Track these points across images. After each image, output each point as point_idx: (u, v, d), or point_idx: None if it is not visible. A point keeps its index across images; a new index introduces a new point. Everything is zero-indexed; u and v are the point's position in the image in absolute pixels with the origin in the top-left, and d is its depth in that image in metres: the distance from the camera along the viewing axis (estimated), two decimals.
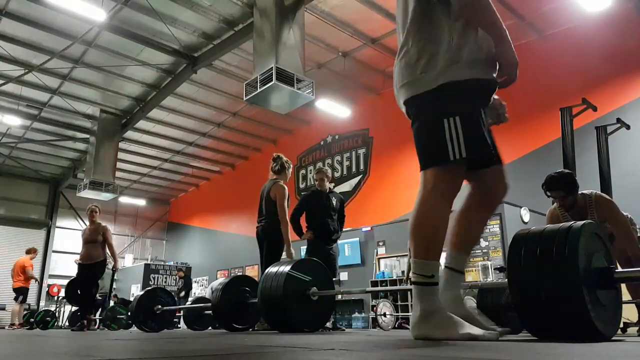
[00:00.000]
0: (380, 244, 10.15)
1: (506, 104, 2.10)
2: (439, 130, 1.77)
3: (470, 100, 1.77)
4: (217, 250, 16.85)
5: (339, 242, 5.53)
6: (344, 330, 5.28)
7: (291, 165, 5.19)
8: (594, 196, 3.57)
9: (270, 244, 4.80)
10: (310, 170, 13.81)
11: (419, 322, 1.81)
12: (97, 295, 7.52)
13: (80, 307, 7.19)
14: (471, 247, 2.00)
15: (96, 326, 7.22)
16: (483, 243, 8.39)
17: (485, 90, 1.80)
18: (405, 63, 1.89)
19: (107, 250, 6.97)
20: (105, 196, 12.86)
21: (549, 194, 3.68)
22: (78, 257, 7.05)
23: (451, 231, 1.94)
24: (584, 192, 3.63)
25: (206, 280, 16.22)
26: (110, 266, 7.30)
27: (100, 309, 9.53)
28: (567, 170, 3.99)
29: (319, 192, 5.43)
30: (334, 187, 12.62)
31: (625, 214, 3.72)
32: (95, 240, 6.86)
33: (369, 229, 10.46)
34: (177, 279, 14.55)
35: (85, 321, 6.69)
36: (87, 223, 7.23)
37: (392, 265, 9.84)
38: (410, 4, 1.89)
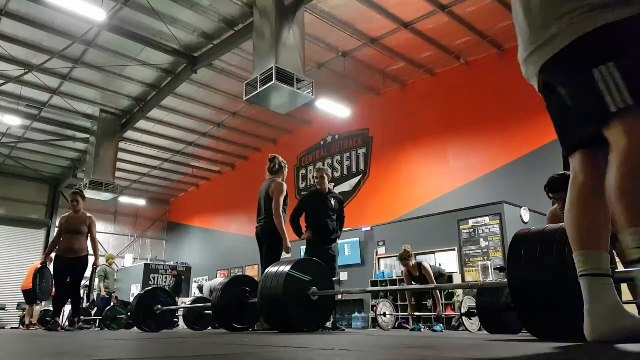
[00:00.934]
0: (380, 244, 10.15)
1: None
2: (591, 85, 1.48)
3: (628, 42, 1.46)
4: (217, 250, 16.84)
5: (339, 242, 5.52)
6: (344, 330, 5.27)
7: (287, 165, 5.19)
8: None
9: (270, 244, 4.80)
10: (311, 170, 13.80)
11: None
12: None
13: (73, 306, 6.38)
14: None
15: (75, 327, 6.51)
16: (483, 243, 8.40)
17: None
18: (529, 22, 1.61)
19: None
20: (105, 196, 12.86)
21: (551, 195, 3.68)
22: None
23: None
24: None
25: (206, 280, 16.22)
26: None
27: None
28: (569, 172, 3.98)
29: (318, 193, 5.43)
30: (334, 187, 12.66)
31: None
32: (81, 231, 6.07)
33: (369, 229, 10.46)
34: (170, 278, 14.44)
35: (76, 319, 6.18)
36: (71, 210, 6.30)
37: (392, 265, 9.83)
38: None
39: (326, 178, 5.45)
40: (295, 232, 5.33)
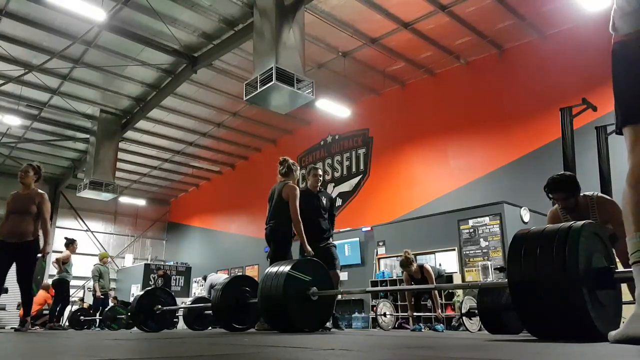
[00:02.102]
0: (380, 244, 10.15)
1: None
2: None
3: None
4: (217, 250, 16.84)
5: (339, 242, 5.48)
6: (343, 329, 5.25)
7: (298, 167, 5.20)
8: (596, 197, 3.57)
9: (276, 246, 4.80)
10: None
11: None
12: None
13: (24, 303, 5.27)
14: None
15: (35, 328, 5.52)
16: (483, 243, 8.40)
17: None
18: None
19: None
20: (105, 196, 12.85)
21: (550, 195, 3.66)
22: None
23: None
24: (585, 193, 3.63)
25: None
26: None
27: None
28: (569, 173, 3.98)
29: (309, 192, 5.37)
30: (334, 187, 12.67)
31: None
32: (28, 211, 5.01)
33: (369, 229, 10.46)
34: (157, 278, 14.44)
35: (28, 319, 5.20)
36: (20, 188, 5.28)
37: (392, 265, 9.83)
38: None
39: (318, 177, 5.42)
40: None
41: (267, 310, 3.84)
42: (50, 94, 11.71)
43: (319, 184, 5.41)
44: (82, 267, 16.87)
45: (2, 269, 4.96)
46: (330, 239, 5.30)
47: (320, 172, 5.47)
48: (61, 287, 8.68)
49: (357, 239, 10.47)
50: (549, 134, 8.39)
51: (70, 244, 9.00)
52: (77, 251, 9.21)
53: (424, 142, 11.09)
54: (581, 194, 3.59)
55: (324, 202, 5.33)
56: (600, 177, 6.48)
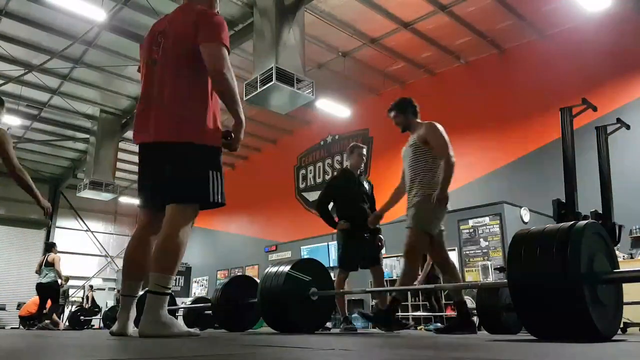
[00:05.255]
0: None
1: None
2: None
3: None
4: (217, 250, 16.83)
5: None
6: (356, 330, 4.97)
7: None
8: (426, 122, 4.05)
9: None
10: (310, 170, 13.80)
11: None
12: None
13: None
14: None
15: None
16: (483, 243, 8.39)
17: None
18: None
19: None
20: (105, 196, 12.87)
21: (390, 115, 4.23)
22: None
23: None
24: (431, 122, 4.00)
25: (206, 280, 16.21)
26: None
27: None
28: (409, 98, 4.30)
29: (349, 173, 4.59)
30: None
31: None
32: None
33: None
34: None
35: None
36: None
37: (392, 265, 9.83)
38: None
39: (363, 157, 4.64)
40: (327, 222, 4.53)
41: (267, 310, 3.84)
42: (50, 94, 11.71)
43: (361, 163, 4.68)
44: (82, 267, 16.91)
45: None
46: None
47: (365, 151, 4.77)
48: (56, 289, 8.73)
49: None
50: (549, 134, 8.39)
51: (54, 246, 9.13)
52: (77, 251, 9.26)
53: None
54: (424, 122, 4.10)
55: (367, 186, 4.68)
56: (600, 177, 6.46)
